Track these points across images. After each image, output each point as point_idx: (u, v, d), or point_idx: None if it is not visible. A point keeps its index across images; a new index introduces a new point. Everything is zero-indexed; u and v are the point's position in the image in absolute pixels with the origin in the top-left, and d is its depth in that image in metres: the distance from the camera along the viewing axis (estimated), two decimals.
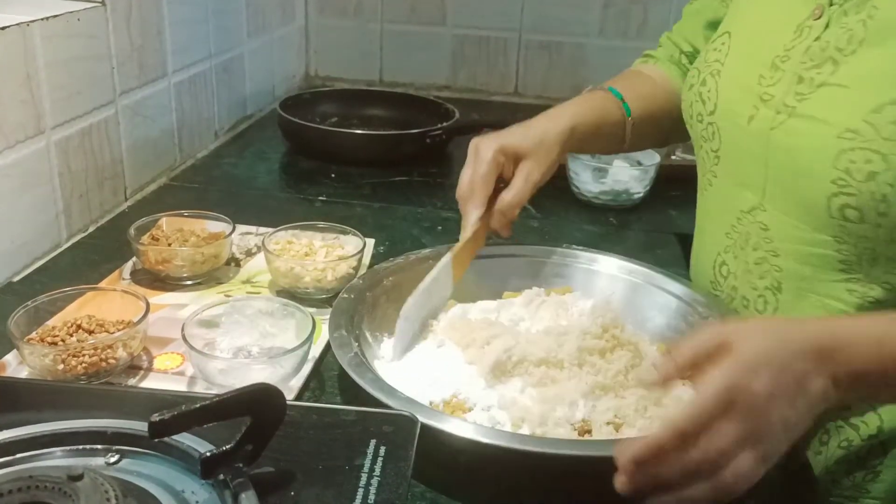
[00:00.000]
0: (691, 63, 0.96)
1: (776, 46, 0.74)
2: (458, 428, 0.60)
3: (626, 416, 0.67)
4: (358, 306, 0.77)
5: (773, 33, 0.75)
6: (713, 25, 0.91)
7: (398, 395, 0.63)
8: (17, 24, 0.87)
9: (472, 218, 0.82)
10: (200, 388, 0.73)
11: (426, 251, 0.88)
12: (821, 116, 0.68)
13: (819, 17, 0.71)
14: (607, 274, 0.88)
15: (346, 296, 0.78)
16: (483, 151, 0.82)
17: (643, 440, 0.54)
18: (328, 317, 0.76)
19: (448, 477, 0.64)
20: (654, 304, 0.83)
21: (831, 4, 0.71)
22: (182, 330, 0.73)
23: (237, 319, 0.79)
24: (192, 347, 0.71)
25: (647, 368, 0.62)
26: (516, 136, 0.84)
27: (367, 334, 0.76)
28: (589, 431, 0.66)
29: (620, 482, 0.54)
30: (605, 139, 0.93)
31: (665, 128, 0.97)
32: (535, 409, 0.66)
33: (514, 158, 0.83)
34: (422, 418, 0.59)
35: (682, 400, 0.66)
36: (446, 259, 0.81)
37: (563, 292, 0.86)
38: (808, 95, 0.69)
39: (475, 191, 0.82)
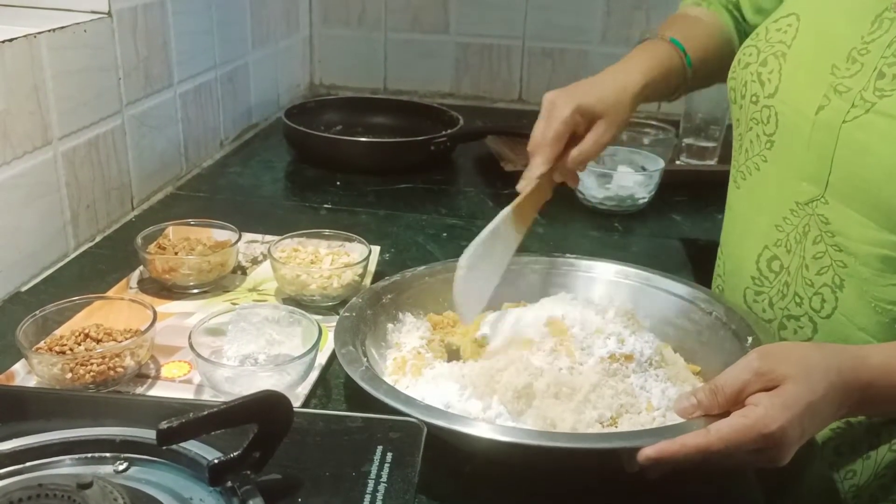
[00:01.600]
0: (739, 12, 0.95)
1: (852, 37, 0.71)
2: (481, 430, 0.60)
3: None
4: (360, 325, 0.77)
5: (848, 22, 0.73)
6: None
7: (416, 404, 0.63)
8: (25, 36, 0.88)
9: (535, 172, 0.81)
10: (208, 396, 0.74)
11: (422, 268, 0.87)
12: None
13: None
14: (605, 280, 0.87)
15: (347, 314, 0.77)
16: (560, 109, 0.82)
17: (670, 445, 0.58)
18: (334, 329, 0.76)
19: (455, 489, 0.64)
20: (655, 305, 0.83)
21: None
22: (189, 338, 0.73)
23: (243, 327, 0.79)
24: (198, 355, 0.72)
25: (688, 397, 0.62)
26: (592, 95, 0.84)
27: (373, 350, 0.76)
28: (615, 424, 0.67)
29: (632, 467, 0.59)
30: (665, 92, 0.93)
31: (714, 74, 0.95)
32: (561, 414, 0.66)
33: (590, 118, 0.83)
34: (441, 422, 0.60)
35: None
36: (506, 211, 0.80)
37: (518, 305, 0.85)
38: (890, 93, 0.67)
39: (546, 147, 0.81)
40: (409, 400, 0.64)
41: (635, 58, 0.90)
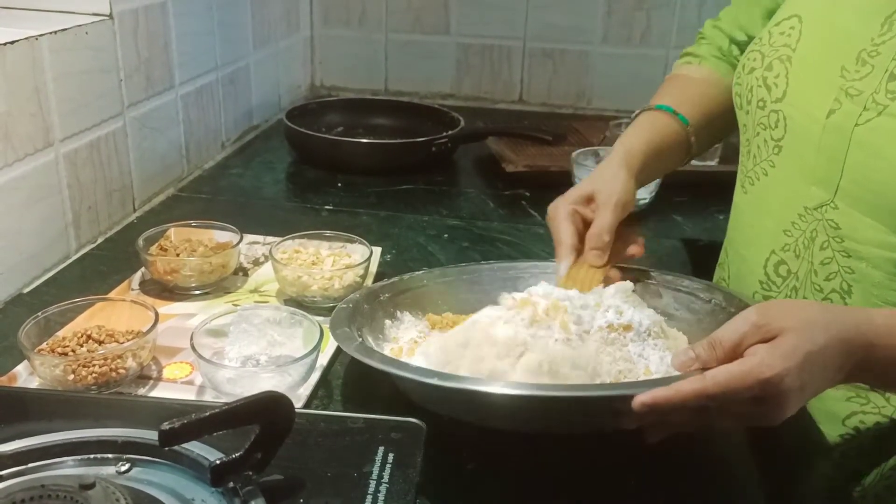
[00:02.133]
0: (742, 52, 0.92)
1: (861, 38, 0.71)
2: (473, 384, 0.60)
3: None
4: (357, 315, 0.77)
5: (855, 23, 0.72)
6: (773, 13, 0.86)
7: (410, 367, 0.63)
8: (26, 39, 0.88)
9: (560, 271, 0.80)
10: (209, 398, 0.74)
11: (420, 273, 0.88)
12: None
13: None
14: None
15: (344, 306, 0.78)
16: (552, 212, 0.83)
17: (665, 391, 0.57)
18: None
19: (456, 489, 0.64)
20: (655, 300, 0.82)
21: None
22: (191, 339, 0.74)
23: (245, 328, 0.79)
24: (200, 357, 0.72)
25: (685, 351, 0.61)
26: (584, 185, 0.84)
27: (370, 338, 0.76)
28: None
29: (628, 420, 0.58)
30: (672, 154, 0.91)
31: (729, 123, 0.93)
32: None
33: (586, 201, 0.82)
34: (441, 382, 0.59)
35: None
36: None
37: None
38: None
39: (559, 244, 0.81)
40: (402, 365, 0.64)
41: (623, 136, 0.90)
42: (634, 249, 0.84)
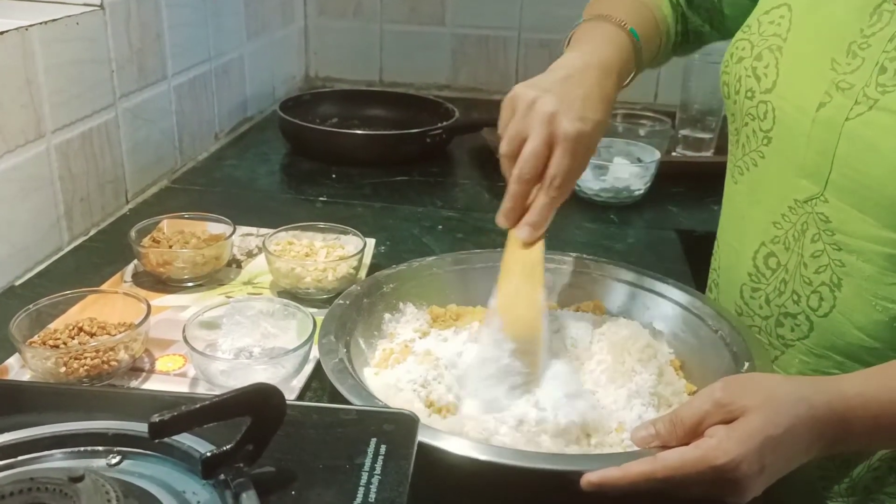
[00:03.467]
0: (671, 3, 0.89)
1: (850, 30, 0.70)
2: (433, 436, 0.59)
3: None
4: (352, 313, 0.76)
5: (844, 14, 0.71)
6: None
7: (376, 402, 0.63)
8: (17, 29, 0.87)
9: (538, 230, 0.74)
10: (202, 390, 0.74)
11: (430, 259, 0.87)
12: None
13: None
14: (620, 285, 0.85)
15: (341, 302, 0.77)
16: (570, 134, 0.71)
17: (614, 472, 0.56)
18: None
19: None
20: (667, 316, 0.81)
21: None
22: (183, 332, 0.73)
23: (238, 320, 0.79)
24: (193, 349, 0.72)
25: (647, 426, 0.60)
26: (568, 116, 0.72)
27: (361, 341, 0.76)
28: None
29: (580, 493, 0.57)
30: (625, 78, 0.83)
31: (653, 53, 0.88)
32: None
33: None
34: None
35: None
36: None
37: (592, 308, 0.83)
38: (892, 88, 0.66)
39: (557, 189, 0.72)
40: (370, 397, 0.64)
41: (605, 48, 0.79)
42: None
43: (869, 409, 0.59)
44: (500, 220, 0.75)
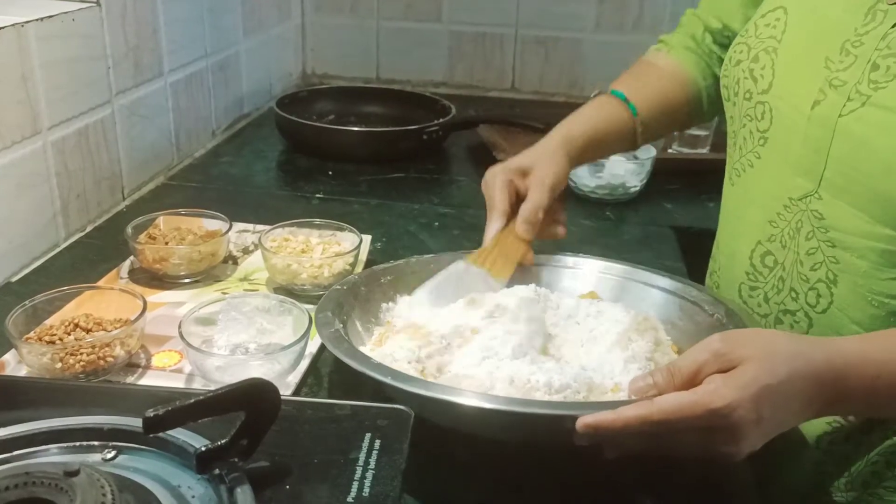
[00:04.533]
0: (715, 42, 0.94)
1: (845, 29, 0.70)
2: (416, 385, 0.61)
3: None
4: (350, 298, 0.77)
5: (839, 14, 0.72)
6: (753, 4, 0.87)
7: (370, 363, 0.64)
8: (13, 25, 0.87)
9: (489, 233, 0.83)
10: (198, 386, 0.74)
11: (429, 256, 0.87)
12: None
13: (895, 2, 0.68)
14: (611, 279, 0.85)
15: (339, 287, 0.78)
16: (490, 178, 0.85)
17: (609, 415, 0.56)
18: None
19: (444, 477, 0.64)
20: (662, 307, 0.81)
21: None
22: (179, 328, 0.73)
23: (234, 316, 0.79)
24: (189, 345, 0.72)
25: (644, 377, 0.60)
26: (518, 157, 0.87)
27: (358, 323, 0.76)
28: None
29: (577, 439, 0.58)
30: (614, 142, 0.93)
31: (681, 117, 0.96)
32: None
33: (522, 174, 0.85)
34: (395, 383, 0.60)
35: None
36: (459, 262, 0.82)
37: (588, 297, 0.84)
38: (885, 84, 0.66)
39: (491, 208, 0.84)
40: (364, 359, 0.64)
41: (573, 115, 0.92)
42: (559, 230, 0.87)
43: (868, 368, 0.59)
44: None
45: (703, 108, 0.95)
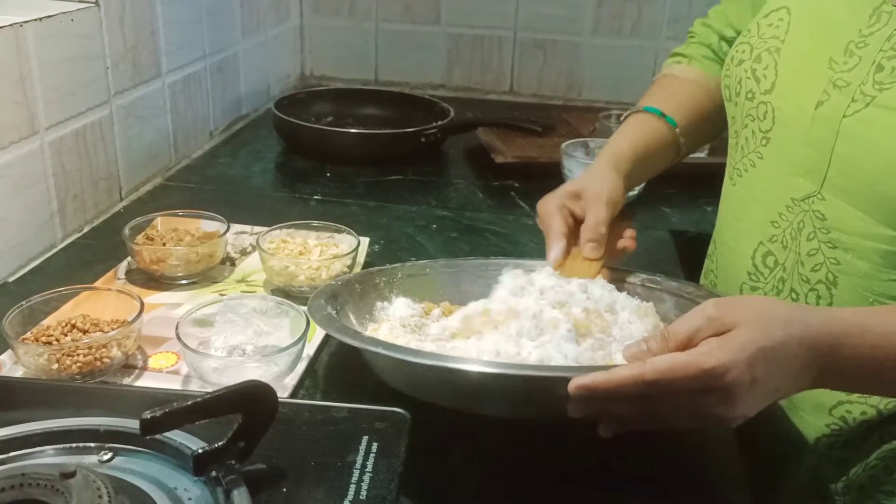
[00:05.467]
0: (719, 62, 0.94)
1: (849, 30, 0.71)
2: (413, 355, 0.61)
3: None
4: (344, 292, 0.77)
5: (843, 15, 0.72)
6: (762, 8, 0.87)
7: (363, 338, 0.64)
8: (11, 25, 0.87)
9: (552, 255, 0.80)
10: (195, 387, 0.74)
11: (423, 261, 0.87)
12: None
13: None
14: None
15: (333, 282, 0.78)
16: (544, 207, 0.82)
17: (602, 374, 0.56)
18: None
19: (440, 477, 0.64)
20: (660, 306, 0.80)
21: None
22: (176, 329, 0.73)
23: (231, 318, 0.79)
24: (186, 346, 0.72)
25: (638, 343, 0.60)
26: (568, 184, 0.85)
27: (352, 317, 0.76)
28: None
29: (571, 407, 0.57)
30: (661, 155, 0.92)
31: (717, 124, 0.94)
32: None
33: (575, 197, 0.83)
34: (384, 351, 0.61)
35: None
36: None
37: None
38: (890, 85, 0.66)
39: (549, 234, 0.81)
40: (356, 335, 0.64)
41: (613, 137, 0.90)
42: (627, 243, 0.84)
43: (866, 337, 0.58)
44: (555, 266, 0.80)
45: None
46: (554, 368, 0.62)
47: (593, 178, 0.84)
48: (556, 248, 0.79)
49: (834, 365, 0.59)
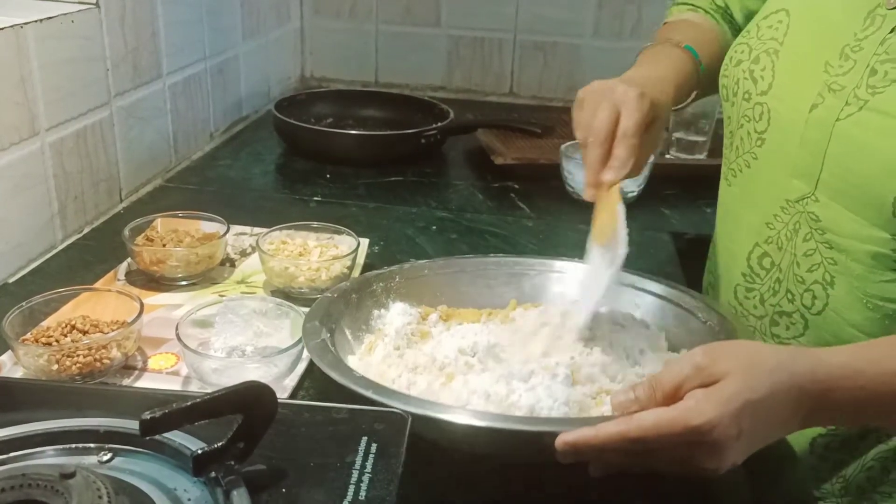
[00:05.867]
0: (725, 21, 0.94)
1: (845, 34, 0.71)
2: (397, 400, 0.60)
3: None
4: (339, 305, 0.77)
5: (840, 18, 0.72)
6: None
7: (353, 375, 0.64)
8: (11, 27, 0.88)
9: (623, 168, 0.72)
10: (195, 388, 0.74)
11: (422, 261, 0.87)
12: (895, 113, 0.65)
13: (895, 7, 0.68)
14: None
15: (329, 295, 0.78)
16: (631, 95, 0.74)
17: (588, 431, 0.56)
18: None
19: (440, 479, 0.64)
20: (656, 313, 0.81)
21: None
22: (176, 329, 0.73)
23: (231, 319, 0.79)
24: (185, 346, 0.72)
25: (626, 391, 0.59)
26: (648, 87, 0.77)
27: (347, 332, 0.76)
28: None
29: (559, 457, 0.57)
30: (680, 99, 0.88)
31: (714, 79, 0.91)
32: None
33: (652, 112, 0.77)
34: (373, 395, 0.61)
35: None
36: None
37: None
38: (883, 89, 0.67)
39: (631, 138, 0.72)
40: (347, 372, 0.64)
41: (660, 64, 0.85)
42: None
43: (852, 380, 0.58)
44: (588, 192, 0.74)
45: None
46: (541, 421, 0.62)
47: (665, 97, 0.79)
48: (627, 162, 0.72)
49: (821, 409, 0.58)
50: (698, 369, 0.56)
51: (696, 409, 0.54)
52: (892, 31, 0.68)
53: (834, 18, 0.73)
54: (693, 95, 0.89)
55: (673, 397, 0.56)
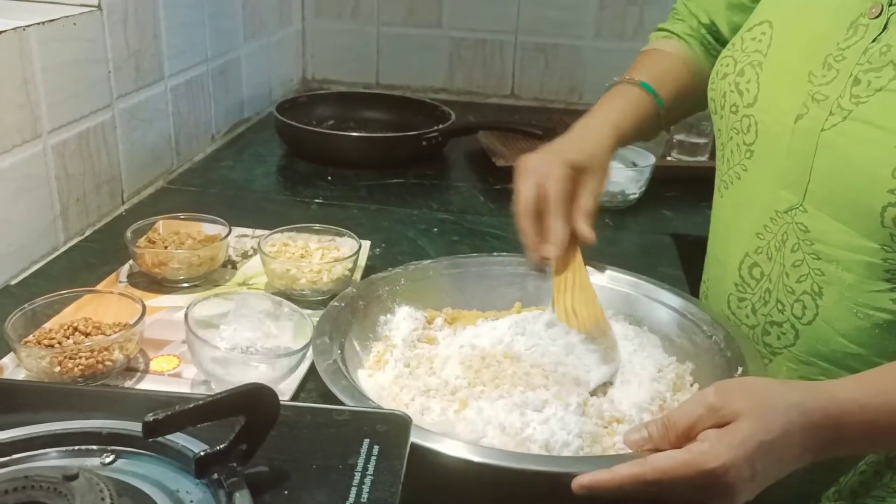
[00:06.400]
0: (713, 38, 0.95)
1: (828, 44, 0.71)
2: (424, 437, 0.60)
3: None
4: (347, 315, 0.77)
5: (824, 28, 0.72)
6: (735, 7, 0.90)
7: (368, 403, 0.64)
8: (14, 29, 0.88)
9: (560, 235, 0.80)
10: (197, 390, 0.74)
11: (426, 262, 0.87)
12: (879, 122, 0.65)
13: (877, 16, 0.68)
14: (612, 289, 0.84)
15: (336, 304, 0.78)
16: (554, 168, 0.81)
17: (603, 475, 0.56)
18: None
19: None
20: (661, 320, 0.81)
21: (891, 4, 0.67)
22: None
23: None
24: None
25: (639, 429, 0.60)
26: (572, 150, 0.84)
27: (356, 343, 0.76)
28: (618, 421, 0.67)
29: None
30: (641, 135, 0.94)
31: (689, 105, 0.97)
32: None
33: (579, 172, 0.83)
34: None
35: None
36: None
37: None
38: (866, 99, 0.67)
39: (558, 206, 0.80)
40: (362, 398, 0.64)
41: (606, 108, 0.91)
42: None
43: (863, 414, 0.59)
44: (531, 257, 0.82)
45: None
46: (556, 461, 0.62)
47: (595, 160, 0.84)
48: (564, 230, 0.81)
49: (833, 444, 0.59)
50: (711, 409, 0.57)
51: (710, 453, 0.55)
52: (874, 41, 0.68)
53: (817, 29, 0.73)
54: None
55: (686, 437, 0.57)
